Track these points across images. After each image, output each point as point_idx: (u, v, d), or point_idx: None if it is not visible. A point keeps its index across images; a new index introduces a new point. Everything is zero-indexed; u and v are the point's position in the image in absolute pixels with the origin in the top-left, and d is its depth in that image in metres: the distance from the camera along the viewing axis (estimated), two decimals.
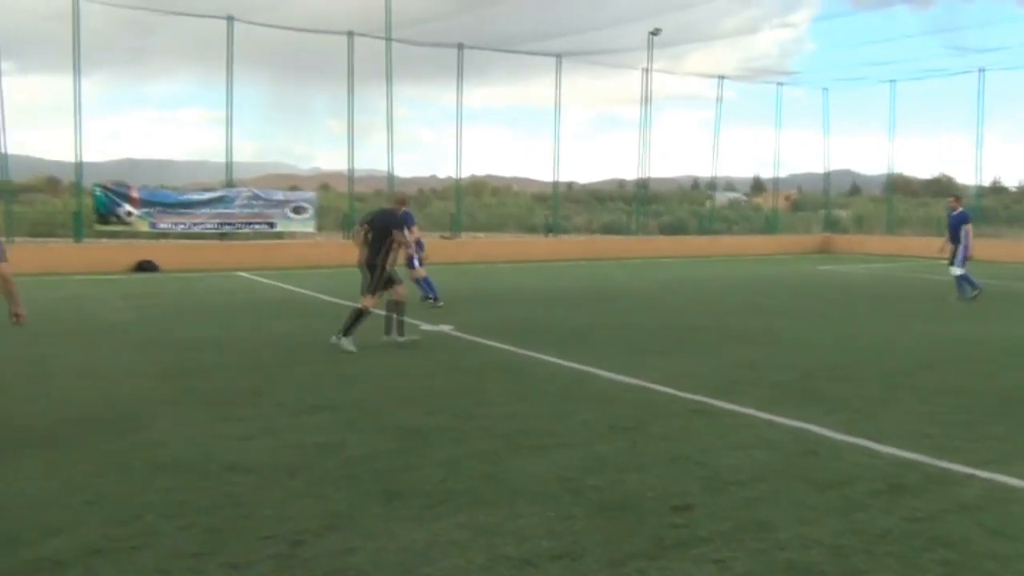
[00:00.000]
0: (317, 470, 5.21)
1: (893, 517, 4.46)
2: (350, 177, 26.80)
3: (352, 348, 9.49)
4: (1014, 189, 44.78)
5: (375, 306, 9.93)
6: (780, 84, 34.52)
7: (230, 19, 23.71)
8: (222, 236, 23.79)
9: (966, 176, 34.31)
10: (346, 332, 9.62)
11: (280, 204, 24.59)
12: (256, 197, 24.24)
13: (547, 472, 5.18)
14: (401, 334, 10.01)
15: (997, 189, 42.68)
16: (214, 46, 24.00)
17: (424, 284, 14.13)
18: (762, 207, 41.43)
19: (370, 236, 9.77)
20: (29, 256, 20.79)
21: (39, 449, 5.61)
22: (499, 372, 8.50)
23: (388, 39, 25.97)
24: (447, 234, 29.37)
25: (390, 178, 27.52)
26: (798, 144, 61.46)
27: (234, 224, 23.82)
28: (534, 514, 4.46)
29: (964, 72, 31.26)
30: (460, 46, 27.27)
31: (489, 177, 57.70)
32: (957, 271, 15.47)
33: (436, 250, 26.03)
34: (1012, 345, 10.43)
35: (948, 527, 4.32)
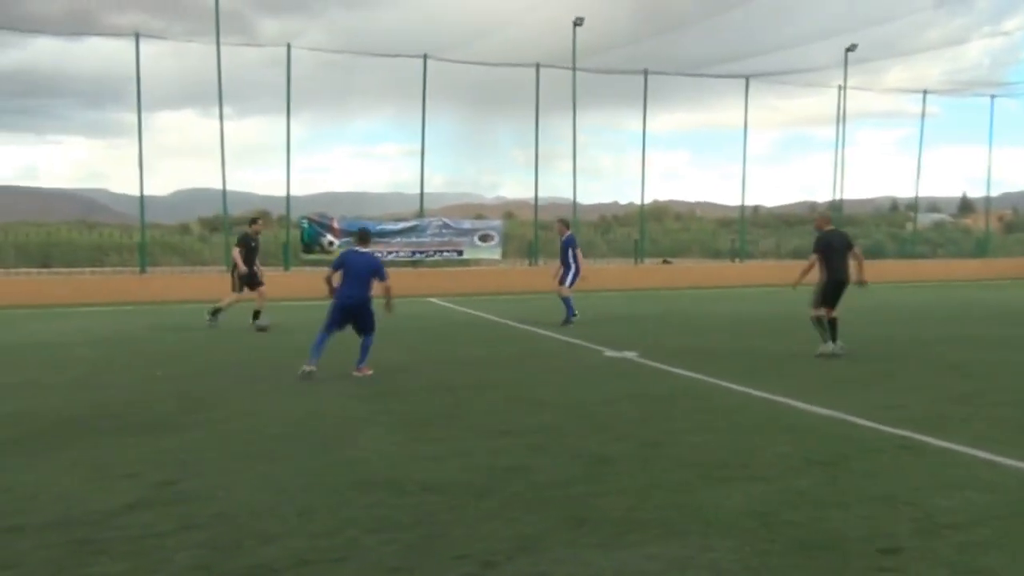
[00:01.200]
0: (507, 493, 5.30)
1: None
2: (535, 205, 27.30)
3: (837, 351, 11.16)
4: None
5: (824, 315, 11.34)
6: (993, 96, 32.05)
7: (425, 57, 24.89)
8: (414, 263, 24.85)
9: None
10: (834, 339, 11.24)
11: (468, 232, 25.41)
12: (446, 226, 25.18)
13: (741, 505, 5.01)
14: (835, 340, 11.18)
15: None
16: (409, 84, 25.30)
17: (566, 303, 15.22)
18: (971, 229, 38.42)
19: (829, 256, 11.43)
20: None
21: (257, 462, 6.05)
22: (687, 400, 8.34)
23: (574, 69, 26.36)
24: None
25: (574, 205, 27.81)
26: (1013, 160, 56.61)
27: (426, 252, 24.84)
28: (729, 548, 4.32)
29: None
30: (645, 72, 27.25)
31: (672, 202, 57.10)
32: None
33: (622, 275, 26.04)
34: None
35: None
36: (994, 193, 34.70)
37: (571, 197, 27.58)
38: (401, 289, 22.62)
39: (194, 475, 5.71)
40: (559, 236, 16.23)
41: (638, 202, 29.32)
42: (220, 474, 5.74)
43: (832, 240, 11.47)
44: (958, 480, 5.52)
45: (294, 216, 24.84)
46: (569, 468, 5.84)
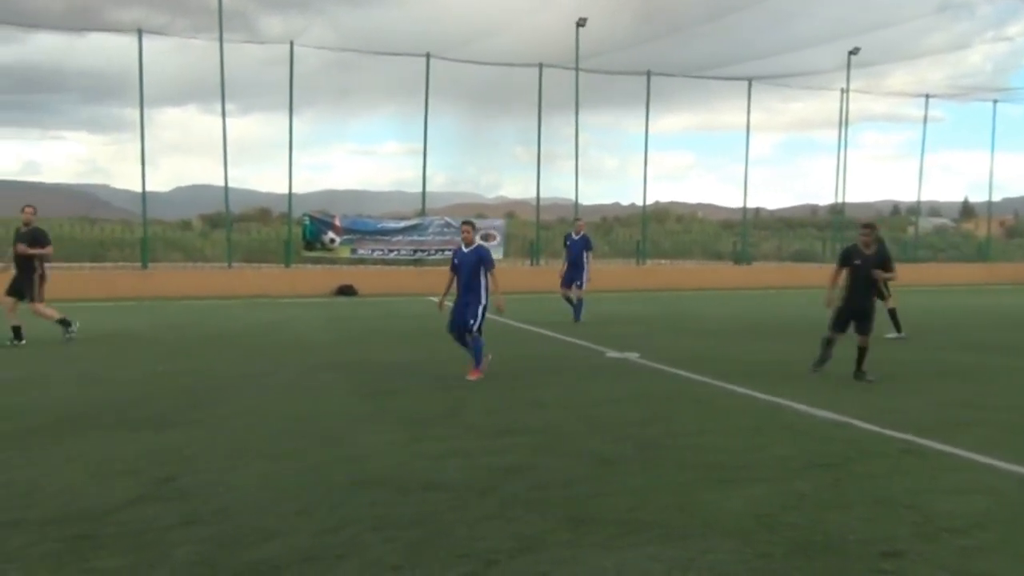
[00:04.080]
0: (508, 492, 5.29)
1: None
2: (537, 205, 27.31)
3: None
4: None
5: None
6: (995, 101, 32.06)
7: (428, 56, 24.89)
8: (415, 262, 24.85)
9: None
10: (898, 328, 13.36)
11: None
12: (448, 225, 25.19)
13: (741, 507, 5.00)
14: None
15: None
16: (412, 82, 25.32)
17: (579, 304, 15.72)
18: (972, 234, 38.40)
19: None
20: (245, 280, 22.62)
21: (258, 459, 6.05)
22: (688, 402, 8.33)
23: (577, 69, 26.36)
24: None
25: (576, 206, 27.82)
26: (1016, 166, 56.62)
27: (427, 251, 24.84)
28: (729, 550, 4.31)
29: None
30: (648, 73, 27.25)
31: (673, 204, 57.19)
32: None
33: (623, 276, 26.04)
34: None
35: None
36: (996, 198, 34.76)
37: (572, 197, 27.59)
38: (402, 287, 22.78)
39: (195, 471, 5.71)
40: (576, 234, 16.09)
41: (640, 203, 29.38)
42: (221, 471, 5.74)
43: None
44: (959, 484, 5.51)
45: (296, 213, 24.86)
46: (570, 468, 5.84)
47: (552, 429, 7.04)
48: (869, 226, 10.12)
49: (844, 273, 9.80)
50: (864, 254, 9.75)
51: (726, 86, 29.82)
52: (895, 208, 50.44)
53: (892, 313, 13.51)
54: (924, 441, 6.61)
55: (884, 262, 9.90)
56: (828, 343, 9.89)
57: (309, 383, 9.26)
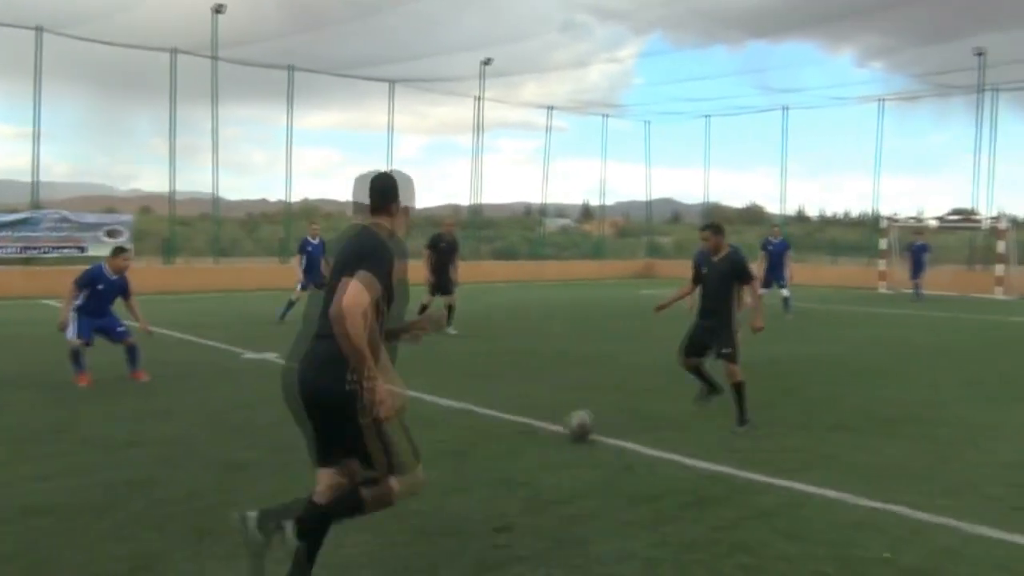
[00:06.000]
0: (126, 510, 4.94)
1: (699, 527, 4.73)
2: (171, 200, 25.63)
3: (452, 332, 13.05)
4: (815, 218, 48.73)
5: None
6: (606, 116, 36.04)
7: (39, 30, 22.24)
8: (26, 261, 22.09)
9: (773, 206, 36.92)
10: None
11: (92, 227, 23.17)
12: (65, 220, 22.75)
13: None
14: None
15: (801, 218, 46.18)
16: (24, 58, 22.46)
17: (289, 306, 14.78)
18: (590, 233, 42.90)
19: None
20: None
21: None
22: None
23: (214, 58, 25.16)
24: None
25: (215, 201, 26.58)
26: (624, 174, 63.86)
27: (40, 248, 22.19)
28: (357, 544, 4.41)
29: (770, 109, 33.97)
30: (290, 68, 26.79)
31: (322, 201, 56.80)
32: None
33: (266, 274, 25.32)
34: (810, 362, 11.31)
35: (748, 533, 4.64)
36: (609, 202, 39.13)
37: (213, 192, 26.34)
38: (8, 290, 20.14)
39: None
40: (312, 238, 15.21)
41: (286, 199, 28.80)
42: None
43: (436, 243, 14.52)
44: (567, 460, 6.15)
45: None
46: (196, 479, 5.58)
47: (179, 439, 6.67)
48: (712, 227, 7.81)
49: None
50: (711, 261, 7.74)
51: (374, 87, 30.27)
52: (527, 209, 54.63)
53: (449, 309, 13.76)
54: (539, 423, 7.28)
55: (738, 271, 7.58)
56: (692, 371, 7.96)
57: None
